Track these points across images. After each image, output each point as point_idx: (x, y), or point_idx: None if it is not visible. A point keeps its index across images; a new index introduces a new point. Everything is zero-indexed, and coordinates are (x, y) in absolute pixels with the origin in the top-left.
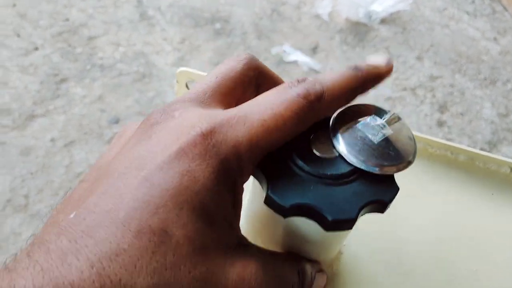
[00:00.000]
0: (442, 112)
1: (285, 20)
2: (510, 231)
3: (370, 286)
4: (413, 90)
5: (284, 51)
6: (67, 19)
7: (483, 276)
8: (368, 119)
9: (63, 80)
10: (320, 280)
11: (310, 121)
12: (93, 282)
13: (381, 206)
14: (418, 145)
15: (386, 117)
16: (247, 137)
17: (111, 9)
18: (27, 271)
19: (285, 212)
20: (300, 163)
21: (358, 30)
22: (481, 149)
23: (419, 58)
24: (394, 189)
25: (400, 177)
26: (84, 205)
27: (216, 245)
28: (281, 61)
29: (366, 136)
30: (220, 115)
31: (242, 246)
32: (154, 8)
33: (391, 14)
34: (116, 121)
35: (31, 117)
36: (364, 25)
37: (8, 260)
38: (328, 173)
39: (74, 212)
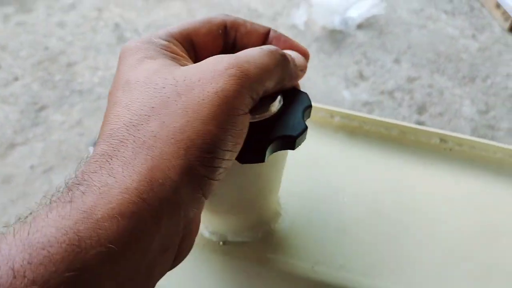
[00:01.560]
0: (420, 114)
1: None
2: (441, 193)
3: (307, 241)
4: (390, 93)
5: None
6: (46, 48)
7: (413, 227)
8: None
9: (43, 108)
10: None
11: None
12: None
13: (290, 140)
14: (353, 123)
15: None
16: None
17: (90, 35)
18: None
19: None
20: None
21: (335, 37)
22: None
23: (396, 61)
24: (300, 127)
25: (337, 152)
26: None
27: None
28: None
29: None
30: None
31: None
32: (131, 31)
33: (367, 19)
34: (95, 143)
35: (12, 146)
36: (340, 32)
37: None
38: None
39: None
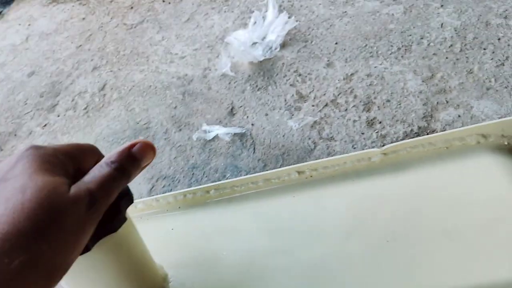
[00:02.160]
0: (368, 110)
1: (197, 96)
2: (305, 217)
3: None
4: (333, 101)
5: (205, 131)
6: None
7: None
8: None
9: None
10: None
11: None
12: None
13: (111, 229)
14: (226, 190)
15: None
16: None
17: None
18: None
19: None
20: None
21: (265, 68)
22: (419, 127)
23: (329, 64)
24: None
25: (217, 220)
26: None
27: None
28: (205, 143)
29: None
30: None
31: None
32: None
33: (288, 34)
34: None
35: None
36: (268, 59)
37: None
38: None
39: None
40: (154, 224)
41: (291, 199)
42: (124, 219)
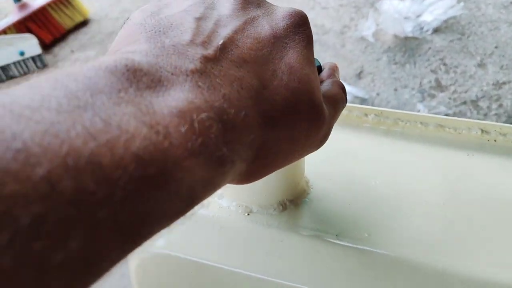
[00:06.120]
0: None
1: (328, 48)
2: (485, 183)
3: (333, 214)
4: (474, 102)
5: None
6: None
7: (449, 209)
8: None
9: None
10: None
11: None
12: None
13: None
14: (388, 121)
15: None
16: None
17: None
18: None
19: None
20: None
21: (408, 46)
22: None
23: (481, 65)
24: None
25: (373, 148)
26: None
27: None
28: None
29: None
30: None
31: None
32: None
33: (446, 21)
34: None
35: None
36: (415, 38)
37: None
38: None
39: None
40: None
41: (465, 156)
42: None
